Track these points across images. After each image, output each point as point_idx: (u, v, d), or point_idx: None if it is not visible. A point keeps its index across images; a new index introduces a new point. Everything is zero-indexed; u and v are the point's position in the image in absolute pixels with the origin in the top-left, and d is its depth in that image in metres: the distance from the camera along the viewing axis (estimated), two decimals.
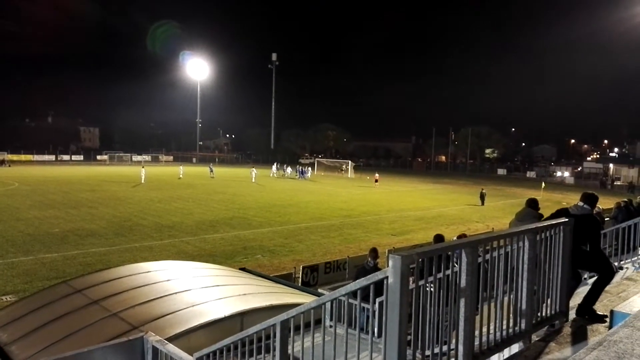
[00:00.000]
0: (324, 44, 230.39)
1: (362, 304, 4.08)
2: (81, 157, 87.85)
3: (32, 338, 6.58)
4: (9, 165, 65.78)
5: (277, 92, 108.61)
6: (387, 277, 3.03)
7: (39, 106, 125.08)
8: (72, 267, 16.32)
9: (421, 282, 3.30)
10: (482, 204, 36.93)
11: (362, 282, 3.48)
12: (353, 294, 3.63)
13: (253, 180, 51.75)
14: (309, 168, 61.67)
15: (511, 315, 3.87)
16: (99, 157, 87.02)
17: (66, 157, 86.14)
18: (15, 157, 73.43)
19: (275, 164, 66.31)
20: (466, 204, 37.12)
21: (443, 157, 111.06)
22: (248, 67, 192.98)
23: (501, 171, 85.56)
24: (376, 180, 52.00)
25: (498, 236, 3.87)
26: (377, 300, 4.78)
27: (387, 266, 3.05)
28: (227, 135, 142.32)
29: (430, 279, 3.26)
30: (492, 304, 3.70)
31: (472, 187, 43.62)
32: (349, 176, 63.77)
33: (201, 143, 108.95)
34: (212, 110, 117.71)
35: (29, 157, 78.65)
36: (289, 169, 63.40)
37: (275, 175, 60.61)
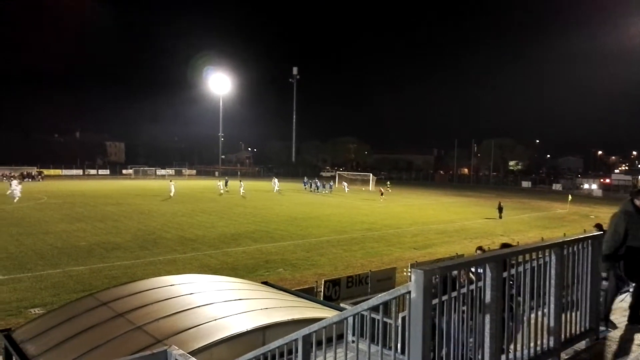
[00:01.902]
0: (344, 57, 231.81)
1: (385, 319, 4.03)
2: (107, 171, 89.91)
3: (59, 351, 6.68)
4: (42, 179, 67.71)
5: (298, 106, 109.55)
6: (409, 292, 3.01)
7: (68, 122, 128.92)
8: (99, 279, 16.60)
9: (444, 298, 3.25)
10: (500, 217, 36.16)
11: (385, 296, 3.46)
12: (375, 309, 3.60)
13: (275, 190, 52.47)
14: (331, 183, 61.07)
15: (539, 332, 3.77)
16: (124, 171, 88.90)
17: (93, 171, 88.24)
18: (44, 171, 75.51)
19: (305, 178, 66.28)
20: (489, 217, 36.52)
21: (465, 170, 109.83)
22: (269, 81, 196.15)
23: (526, 184, 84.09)
24: (382, 194, 51.23)
25: (523, 250, 3.80)
26: (400, 315, 4.73)
27: (410, 281, 3.02)
28: (249, 149, 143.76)
29: (454, 294, 3.21)
30: (519, 321, 3.62)
31: (496, 200, 42.87)
32: (370, 189, 63.52)
33: (223, 157, 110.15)
34: (234, 124, 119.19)
35: (58, 171, 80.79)
36: (318, 183, 61.65)
37: (309, 189, 60.23)
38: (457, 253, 20.34)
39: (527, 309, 3.66)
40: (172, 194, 45.42)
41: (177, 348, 5.76)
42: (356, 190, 62.15)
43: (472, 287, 3.27)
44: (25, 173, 70.66)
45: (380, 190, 52.24)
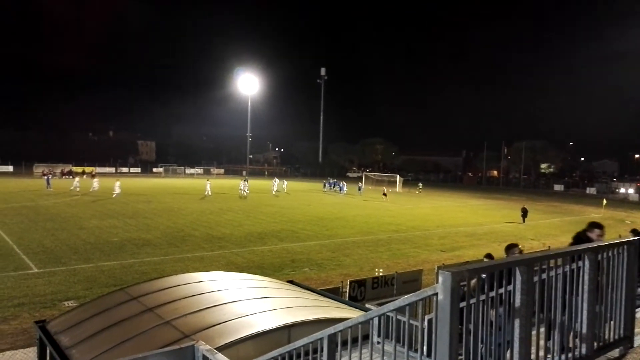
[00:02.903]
0: (372, 57, 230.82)
1: (411, 321, 4.00)
2: (139, 170, 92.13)
3: (91, 343, 6.88)
4: (92, 176, 70.03)
5: (326, 106, 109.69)
6: (436, 294, 2.98)
7: (102, 122, 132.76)
8: (129, 275, 17.01)
9: (472, 301, 3.21)
10: (524, 221, 35.07)
11: (411, 298, 3.43)
12: (401, 310, 3.58)
13: (274, 191, 51.94)
14: (360, 184, 59.63)
15: (570, 339, 3.67)
16: (154, 170, 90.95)
17: (125, 169, 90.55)
18: (79, 169, 77.87)
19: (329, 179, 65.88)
20: (520, 221, 35.71)
21: (495, 172, 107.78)
22: (297, 81, 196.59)
23: (558, 187, 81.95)
24: (384, 194, 49.79)
25: (555, 254, 3.70)
26: (426, 317, 4.68)
27: (437, 282, 2.99)
28: (277, 149, 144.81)
29: (482, 297, 3.16)
30: (550, 327, 3.53)
31: (526, 204, 41.96)
32: (397, 190, 63.04)
33: (251, 156, 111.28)
34: (262, 124, 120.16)
35: (92, 169, 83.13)
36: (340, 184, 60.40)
37: (327, 190, 59.26)
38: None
39: (558, 315, 3.57)
40: (208, 193, 45.94)
41: (204, 343, 5.86)
42: (381, 192, 61.72)
43: (502, 290, 3.21)
44: (65, 170, 73.19)
45: (384, 191, 50.99)
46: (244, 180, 51.22)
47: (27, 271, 17.16)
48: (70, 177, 69.57)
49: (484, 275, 3.12)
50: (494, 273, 3.17)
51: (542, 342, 3.49)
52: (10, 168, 78.57)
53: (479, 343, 3.17)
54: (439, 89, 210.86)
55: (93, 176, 52.37)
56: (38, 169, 73.99)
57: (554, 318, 3.56)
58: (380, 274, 16.34)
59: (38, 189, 47.61)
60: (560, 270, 3.62)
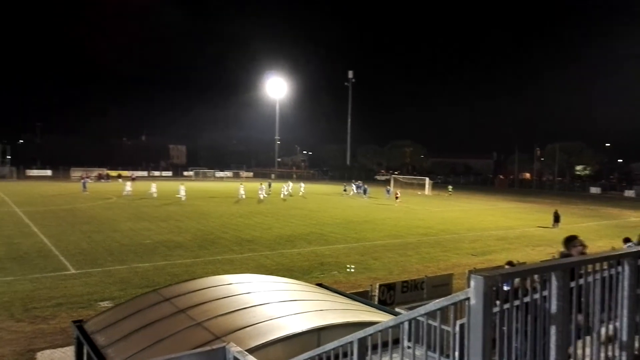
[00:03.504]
0: (400, 59, 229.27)
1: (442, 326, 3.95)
2: (170, 173, 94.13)
3: (126, 342, 7.06)
4: (133, 179, 72.21)
5: (354, 109, 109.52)
6: (468, 299, 2.93)
7: (135, 126, 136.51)
8: (161, 276, 17.37)
9: (506, 306, 3.14)
10: (556, 225, 33.57)
11: (442, 302, 3.39)
12: (432, 315, 3.54)
13: (282, 195, 50.80)
14: (388, 188, 57.81)
15: (609, 347, 3.55)
16: (185, 173, 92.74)
17: (157, 173, 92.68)
18: (113, 173, 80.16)
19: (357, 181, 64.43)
20: (551, 225, 34.68)
21: (527, 175, 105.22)
22: (325, 84, 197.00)
23: (594, 190, 79.37)
24: (397, 197, 48.06)
25: (593, 259, 3.59)
26: (458, 322, 4.61)
27: (468, 287, 2.94)
28: (304, 152, 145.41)
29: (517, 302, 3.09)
30: (588, 335, 3.43)
31: (561, 207, 40.80)
32: (426, 193, 62.34)
33: (279, 160, 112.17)
34: (290, 128, 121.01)
35: (125, 172, 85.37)
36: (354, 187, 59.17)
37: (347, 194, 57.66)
38: (518, 261, 19.51)
39: (596, 322, 3.46)
40: (242, 196, 46.34)
41: (235, 345, 5.93)
42: (411, 194, 61.22)
43: (537, 296, 3.14)
44: (101, 174, 75.51)
45: (396, 194, 49.32)
46: (262, 185, 50.97)
47: (65, 272, 17.74)
48: (108, 180, 71.96)
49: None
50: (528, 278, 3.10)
51: (579, 351, 3.39)
52: (49, 172, 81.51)
53: (514, 350, 3.11)
54: (469, 91, 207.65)
55: (133, 180, 54.07)
56: (75, 173, 76.58)
57: (592, 325, 3.46)
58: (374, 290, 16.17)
59: (75, 193, 49.23)
60: (598, 276, 3.51)
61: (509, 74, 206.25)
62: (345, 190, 57.60)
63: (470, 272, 15.39)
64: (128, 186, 48.45)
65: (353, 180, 65.66)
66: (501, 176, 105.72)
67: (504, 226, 33.78)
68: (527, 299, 3.11)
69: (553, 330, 3.11)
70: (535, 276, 3.36)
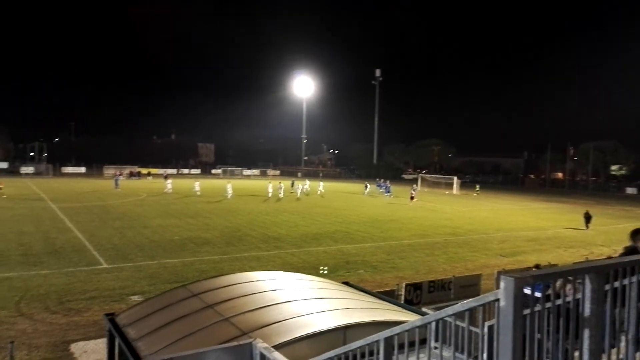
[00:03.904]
0: (428, 57, 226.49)
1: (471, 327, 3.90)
2: (199, 171, 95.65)
3: (156, 336, 7.21)
4: (150, 177, 73.99)
5: (381, 107, 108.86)
6: (498, 300, 2.88)
7: (165, 125, 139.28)
8: (190, 272, 17.68)
9: (537, 308, 3.07)
10: (587, 227, 32.48)
11: (471, 303, 3.34)
12: (460, 316, 3.49)
13: (298, 194, 49.83)
14: (415, 186, 55.45)
15: None
16: (213, 171, 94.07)
17: (186, 171, 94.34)
18: (144, 170, 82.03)
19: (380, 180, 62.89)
20: (583, 227, 33.67)
21: (560, 174, 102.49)
22: (352, 82, 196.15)
23: (630, 190, 76.75)
24: (412, 197, 46.10)
25: (629, 261, 3.47)
26: (486, 324, 4.54)
27: (497, 288, 2.89)
28: (331, 151, 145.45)
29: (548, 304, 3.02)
30: (623, 340, 3.32)
31: (594, 208, 39.61)
32: (454, 193, 61.47)
33: (306, 158, 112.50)
34: (317, 126, 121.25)
35: (155, 170, 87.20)
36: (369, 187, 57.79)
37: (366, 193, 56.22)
38: (549, 262, 19.05)
39: (632, 327, 3.34)
40: (270, 195, 46.68)
41: (261, 341, 5.99)
42: (438, 194, 60.47)
43: (569, 299, 3.05)
44: (132, 172, 77.41)
45: (412, 193, 47.22)
46: (281, 183, 49.84)
47: (98, 266, 18.26)
48: (139, 178, 73.80)
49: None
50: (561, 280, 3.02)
51: (614, 357, 3.29)
52: (83, 169, 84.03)
53: (544, 353, 3.04)
54: (499, 88, 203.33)
55: (166, 178, 55.21)
56: (108, 170, 78.80)
57: (627, 330, 3.34)
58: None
59: (107, 190, 50.58)
60: (634, 279, 3.39)
61: (541, 70, 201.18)
62: (366, 188, 56.87)
63: (500, 273, 15.11)
64: (169, 184, 49.43)
65: (377, 179, 64.83)
66: (532, 176, 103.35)
67: (534, 227, 33.02)
68: (559, 302, 3.03)
69: (586, 334, 3.03)
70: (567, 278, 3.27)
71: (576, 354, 3.12)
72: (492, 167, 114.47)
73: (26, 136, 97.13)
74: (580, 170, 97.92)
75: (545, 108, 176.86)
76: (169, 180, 51.24)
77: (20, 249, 20.45)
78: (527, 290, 2.90)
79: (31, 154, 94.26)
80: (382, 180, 62.14)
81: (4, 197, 39.23)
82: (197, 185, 48.84)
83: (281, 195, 46.81)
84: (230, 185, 46.58)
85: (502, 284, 2.80)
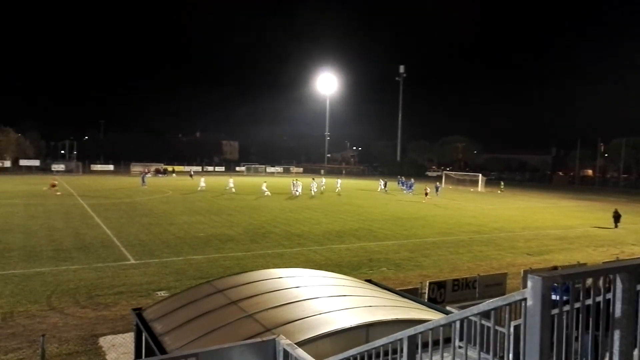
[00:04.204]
0: (452, 53, 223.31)
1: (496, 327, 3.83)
2: (223, 168, 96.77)
3: (181, 331, 7.34)
4: (174, 175, 75.35)
5: (404, 104, 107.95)
6: (525, 299, 2.82)
7: (190, 123, 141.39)
8: (214, 268, 17.90)
9: (566, 308, 3.00)
10: (616, 226, 31.49)
11: (497, 302, 3.28)
12: (486, 315, 3.44)
13: (313, 193, 49.04)
14: (438, 184, 54.52)
15: None
16: (237, 168, 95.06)
17: (210, 168, 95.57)
18: (170, 168, 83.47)
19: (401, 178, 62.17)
20: (612, 225, 32.71)
21: (589, 171, 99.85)
22: (375, 79, 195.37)
23: None
24: (426, 194, 45.80)
25: None
26: (513, 323, 4.46)
27: (524, 287, 2.84)
28: (354, 148, 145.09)
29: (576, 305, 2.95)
30: None
31: (626, 206, 38.43)
32: (479, 190, 60.56)
33: (329, 155, 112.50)
34: (340, 123, 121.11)
35: (181, 167, 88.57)
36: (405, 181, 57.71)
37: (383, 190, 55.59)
38: (578, 261, 18.60)
39: None
40: (297, 192, 46.37)
41: (284, 338, 6.02)
42: (463, 191, 59.69)
43: (599, 298, 2.97)
44: (158, 169, 78.86)
45: (426, 190, 46.70)
46: (297, 181, 49.28)
47: (125, 262, 18.66)
48: (165, 175, 75.20)
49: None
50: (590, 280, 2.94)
51: None
52: (111, 167, 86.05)
53: (572, 354, 2.97)
54: (525, 83, 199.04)
55: (191, 176, 56.13)
56: (135, 167, 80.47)
57: None
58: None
59: (135, 186, 51.62)
60: None
61: (570, 64, 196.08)
62: (385, 186, 56.23)
63: (526, 271, 14.83)
64: (202, 182, 49.89)
65: (399, 177, 64.11)
66: (560, 173, 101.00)
67: (563, 225, 32.28)
68: (589, 301, 2.95)
69: (617, 335, 2.94)
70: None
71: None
72: (519, 164, 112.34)
73: (57, 134, 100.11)
74: (611, 166, 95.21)
75: (575, 103, 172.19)
76: (203, 178, 51.52)
77: (51, 245, 21.06)
78: (553, 296, 2.83)
79: (62, 151, 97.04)
80: (404, 177, 61.55)
81: (59, 194, 41.16)
82: (231, 182, 48.85)
83: (299, 192, 46.24)
84: (265, 183, 47.07)
85: (529, 283, 2.75)
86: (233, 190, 47.64)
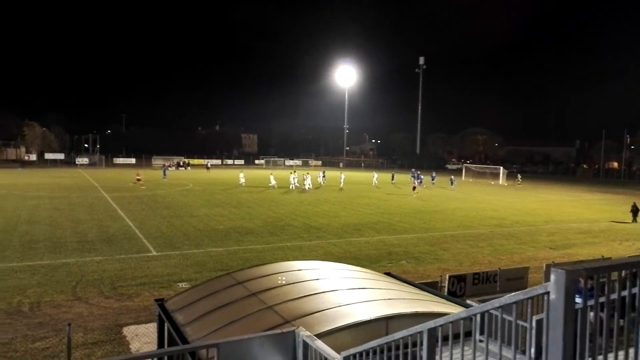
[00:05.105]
0: (472, 44, 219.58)
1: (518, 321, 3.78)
2: (242, 161, 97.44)
3: (202, 322, 7.45)
4: (189, 168, 76.29)
5: (424, 96, 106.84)
6: (547, 293, 2.78)
7: (209, 116, 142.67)
8: (234, 260, 18.09)
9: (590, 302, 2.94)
10: (634, 219, 30.63)
11: (519, 295, 3.24)
12: (507, 309, 3.40)
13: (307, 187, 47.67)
14: (452, 178, 52.77)
15: None
16: (256, 161, 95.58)
17: (230, 161, 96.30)
18: (189, 161, 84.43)
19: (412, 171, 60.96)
20: (629, 219, 31.86)
21: (615, 164, 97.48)
22: (395, 71, 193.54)
23: None
24: (414, 188, 43.96)
25: None
26: (535, 318, 4.39)
27: (546, 281, 2.79)
28: (373, 140, 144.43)
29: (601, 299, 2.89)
30: None
31: None
32: (500, 183, 59.71)
33: (348, 148, 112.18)
34: (359, 116, 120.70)
35: (201, 161, 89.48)
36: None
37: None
38: (602, 256, 18.24)
39: None
40: (322, 183, 47.04)
41: (304, 329, 6.06)
42: (483, 184, 58.94)
43: (625, 293, 2.91)
44: (179, 162, 79.86)
45: (414, 184, 45.33)
46: (320, 173, 48.87)
47: (147, 254, 18.98)
48: (184, 168, 76.17)
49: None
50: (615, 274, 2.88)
51: None
52: (133, 160, 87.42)
53: (596, 349, 2.91)
54: (549, 73, 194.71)
55: (208, 169, 56.38)
56: (156, 161, 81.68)
57: None
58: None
59: (156, 179, 52.35)
60: None
61: (594, 54, 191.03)
62: (392, 178, 55.51)
63: (549, 265, 14.60)
64: (242, 177, 48.69)
65: (412, 170, 63.42)
66: (585, 165, 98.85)
67: (587, 219, 31.64)
68: (614, 296, 2.89)
69: None
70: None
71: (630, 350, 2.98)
72: (542, 157, 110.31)
73: (81, 128, 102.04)
74: (637, 159, 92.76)
75: (600, 93, 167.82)
76: (242, 173, 50.36)
77: (76, 237, 21.55)
78: (578, 300, 2.78)
79: (85, 145, 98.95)
80: (419, 171, 61.13)
81: (143, 187, 42.62)
82: (273, 178, 47.26)
83: (308, 186, 45.39)
84: (310, 176, 46.85)
85: (552, 277, 2.71)
86: (276, 186, 46.03)
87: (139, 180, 45.00)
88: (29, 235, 21.59)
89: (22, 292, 13.76)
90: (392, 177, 56.94)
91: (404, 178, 57.45)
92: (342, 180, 50.74)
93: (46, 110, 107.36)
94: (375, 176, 54.21)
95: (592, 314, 2.91)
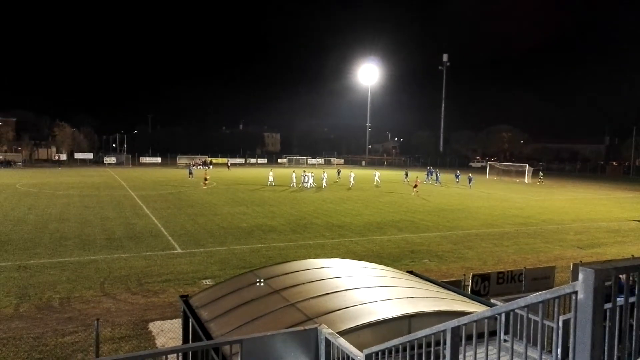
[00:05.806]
0: (497, 41, 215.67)
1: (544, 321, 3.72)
2: (265, 160, 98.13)
3: (226, 318, 7.53)
4: (211, 167, 77.21)
5: (448, 94, 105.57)
6: (575, 292, 2.72)
7: (233, 116, 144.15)
8: (257, 258, 18.24)
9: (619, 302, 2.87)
10: None
11: (545, 295, 3.18)
12: (533, 308, 3.34)
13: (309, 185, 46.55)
14: (470, 176, 51.63)
15: None
16: (279, 160, 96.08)
17: (253, 160, 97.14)
18: (213, 160, 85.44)
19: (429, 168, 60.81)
20: None
21: None
22: (418, 69, 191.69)
23: None
24: (415, 186, 42.74)
25: None
26: (561, 318, 4.31)
27: (573, 280, 2.73)
28: (396, 139, 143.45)
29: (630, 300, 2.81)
30: None
31: None
32: (525, 181, 58.60)
33: (370, 147, 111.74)
34: (382, 114, 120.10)
35: (224, 159, 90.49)
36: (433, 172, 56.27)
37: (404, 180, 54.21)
38: (632, 255, 17.73)
39: None
40: (351, 183, 47.27)
41: (326, 327, 6.07)
42: (508, 182, 57.92)
43: None
44: (205, 161, 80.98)
45: (416, 182, 43.57)
46: (324, 172, 48.48)
47: (173, 251, 19.30)
48: (207, 167, 77.14)
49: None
50: None
51: None
52: (159, 159, 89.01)
53: (626, 350, 2.84)
54: (576, 68, 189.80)
55: (229, 167, 56.95)
56: (181, 160, 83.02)
57: None
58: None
59: (181, 178, 53.17)
60: None
61: (621, 47, 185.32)
62: (406, 176, 54.54)
63: (576, 265, 14.26)
64: (270, 176, 48.73)
65: (428, 167, 63.09)
66: (614, 163, 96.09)
67: (616, 217, 30.79)
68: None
69: None
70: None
71: None
72: (570, 154, 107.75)
73: (109, 129, 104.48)
74: None
75: (630, 88, 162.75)
76: (271, 172, 49.98)
77: (104, 234, 22.07)
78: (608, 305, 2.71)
79: (113, 145, 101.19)
80: (432, 167, 61.20)
81: (204, 187, 43.52)
82: (271, 174, 48.34)
83: (324, 185, 45.85)
84: (353, 174, 47.92)
85: (580, 276, 2.65)
86: (313, 185, 46.37)
87: (206, 180, 45.30)
88: (59, 232, 22.20)
89: (53, 288, 14.17)
90: (406, 174, 55.37)
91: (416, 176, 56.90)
92: (352, 178, 49.61)
93: (76, 111, 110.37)
94: (377, 174, 52.79)
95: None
